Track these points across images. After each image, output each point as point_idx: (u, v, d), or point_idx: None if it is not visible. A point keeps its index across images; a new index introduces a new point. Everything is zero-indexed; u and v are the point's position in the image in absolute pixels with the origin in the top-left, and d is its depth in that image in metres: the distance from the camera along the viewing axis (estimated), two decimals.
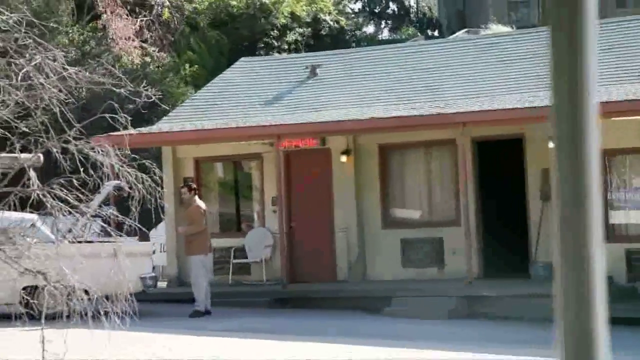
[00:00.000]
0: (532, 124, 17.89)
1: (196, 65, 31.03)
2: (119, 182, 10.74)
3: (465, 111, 17.79)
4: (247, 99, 21.50)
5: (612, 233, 17.41)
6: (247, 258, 20.03)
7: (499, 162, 19.64)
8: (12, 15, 9.95)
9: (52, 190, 9.32)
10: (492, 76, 19.91)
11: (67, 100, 9.61)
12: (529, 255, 18.56)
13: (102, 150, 9.74)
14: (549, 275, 17.58)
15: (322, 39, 35.68)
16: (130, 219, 10.08)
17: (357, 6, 49.05)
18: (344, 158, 19.55)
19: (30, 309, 9.96)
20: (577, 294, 1.61)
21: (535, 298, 16.57)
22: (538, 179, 18.35)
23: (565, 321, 1.62)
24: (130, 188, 9.97)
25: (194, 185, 18.04)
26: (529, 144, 18.54)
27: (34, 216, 10.47)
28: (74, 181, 9.55)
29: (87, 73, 10.03)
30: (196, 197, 17.55)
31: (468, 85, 19.81)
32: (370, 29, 49.29)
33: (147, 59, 29.21)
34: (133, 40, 28.61)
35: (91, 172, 9.69)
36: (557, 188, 1.64)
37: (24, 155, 9.38)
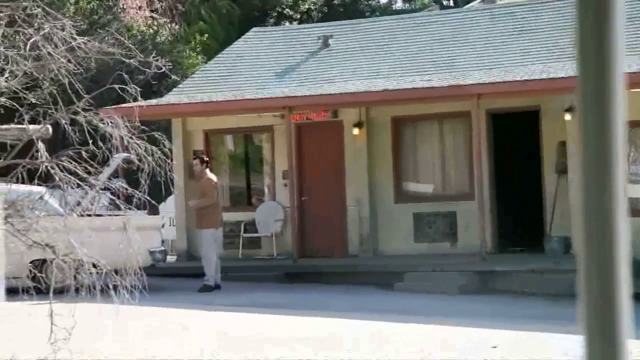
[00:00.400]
0: (548, 96, 17.66)
1: (206, 36, 30.75)
2: (128, 154, 10.53)
3: (480, 82, 17.54)
4: (258, 70, 21.26)
5: (629, 207, 17.19)
6: (257, 232, 19.88)
7: (514, 135, 19.42)
8: None
9: (61, 163, 9.13)
10: (508, 47, 19.63)
11: (75, 71, 9.40)
12: (544, 230, 18.36)
13: (111, 122, 9.54)
14: (564, 249, 17.51)
15: (335, 8, 35.36)
16: (140, 192, 9.90)
17: None
18: (356, 131, 19.33)
19: (38, 283, 9.79)
20: (601, 268, 1.58)
21: (550, 273, 16.41)
22: (554, 152, 18.12)
23: (589, 296, 1.59)
24: (140, 160, 9.78)
25: (206, 158, 17.84)
26: (544, 116, 18.30)
27: (42, 189, 10.29)
28: (83, 153, 9.36)
29: (97, 43, 9.81)
30: (207, 170, 17.34)
31: (483, 56, 19.54)
32: None
33: (157, 28, 28.96)
34: (144, 10, 28.36)
35: (100, 144, 9.50)
36: (581, 160, 1.63)
37: (32, 127, 9.18)
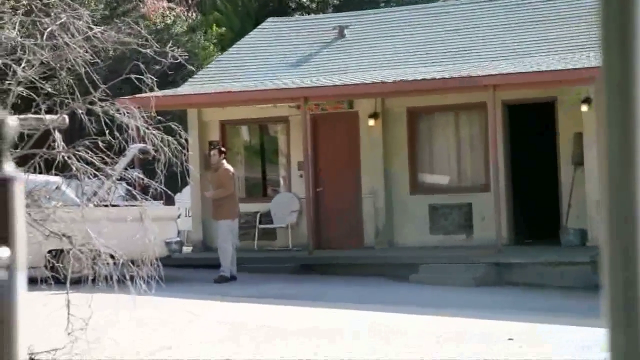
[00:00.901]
0: (564, 87, 17.58)
1: (223, 28, 30.75)
2: (144, 145, 10.54)
3: (496, 74, 17.47)
4: (274, 60, 21.23)
5: None
6: (272, 223, 19.87)
7: (530, 126, 19.35)
8: None
9: (78, 153, 9.14)
10: (525, 37, 19.55)
11: (92, 61, 9.41)
12: (560, 222, 18.30)
13: (127, 112, 9.54)
14: (580, 242, 17.42)
15: None
16: (156, 182, 9.91)
17: None
18: (371, 122, 19.29)
19: (56, 273, 9.82)
20: (625, 260, 1.55)
21: (566, 265, 16.35)
22: (570, 143, 18.05)
23: (612, 288, 1.56)
24: (156, 151, 9.79)
25: (223, 149, 17.84)
26: (561, 107, 18.23)
27: (58, 179, 10.32)
28: (100, 143, 9.37)
29: (113, 33, 9.81)
30: (224, 161, 17.34)
31: (499, 46, 19.46)
32: None
33: (174, 18, 28.98)
34: (161, 0, 28.38)
35: (116, 134, 9.51)
36: (604, 150, 1.59)
37: (49, 117, 9.18)
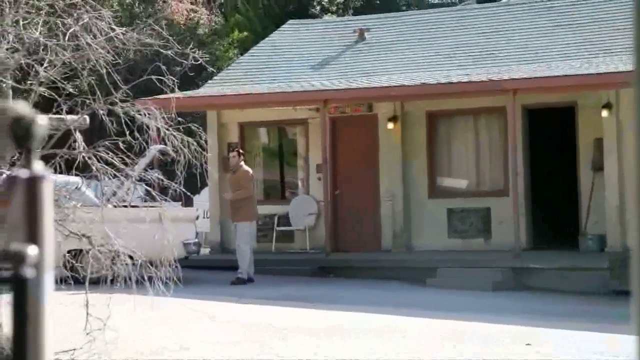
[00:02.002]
0: (585, 92, 17.52)
1: (245, 33, 30.78)
2: (164, 146, 10.57)
3: (516, 78, 17.41)
4: (294, 63, 21.23)
5: None
6: (290, 225, 19.88)
7: (549, 131, 19.29)
8: None
9: (98, 153, 9.17)
10: (547, 41, 19.47)
11: (114, 62, 9.44)
12: (579, 227, 18.23)
13: (148, 113, 9.56)
14: (599, 247, 17.35)
15: (371, 1, 35.28)
16: (175, 183, 9.92)
17: None
18: (390, 125, 19.27)
19: (76, 273, 9.85)
20: None
21: (584, 271, 16.28)
22: (590, 148, 17.98)
23: None
24: (176, 152, 9.81)
25: (242, 151, 17.87)
26: (581, 112, 18.16)
27: (78, 179, 10.35)
28: (120, 144, 9.39)
29: (135, 34, 9.83)
30: (243, 163, 17.36)
31: (521, 50, 19.40)
32: None
33: (197, 20, 29.05)
34: (184, 1, 28.46)
35: (137, 134, 9.53)
36: (635, 153, 1.58)
37: (70, 117, 9.22)
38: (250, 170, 17.42)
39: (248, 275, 16.75)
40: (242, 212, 16.94)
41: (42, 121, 1.78)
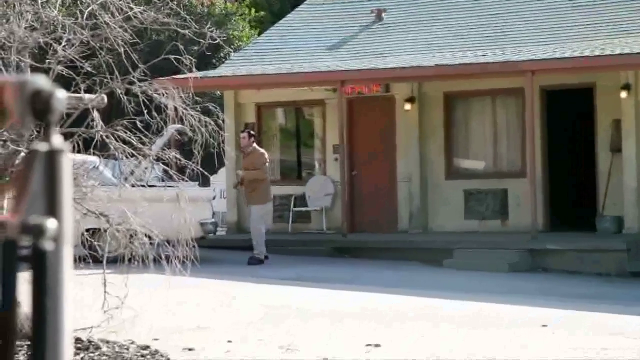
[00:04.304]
0: (603, 73, 17.42)
1: (262, 12, 30.72)
2: (181, 125, 10.57)
3: (534, 59, 17.33)
4: (311, 43, 21.19)
5: None
6: (307, 206, 19.89)
7: (567, 112, 19.20)
8: None
9: (116, 132, 9.18)
10: (565, 22, 19.35)
11: (132, 41, 9.44)
12: (596, 208, 18.17)
13: (165, 93, 9.56)
14: (616, 229, 17.32)
15: None
16: (193, 163, 9.93)
17: None
18: (408, 106, 19.23)
19: (94, 251, 9.89)
20: None
21: (601, 252, 16.25)
22: (608, 129, 17.89)
23: None
24: (193, 132, 9.81)
25: (253, 132, 17.85)
26: (599, 93, 18.06)
27: (96, 158, 10.37)
28: (138, 123, 9.40)
29: (152, 13, 9.82)
30: (254, 144, 17.35)
31: (539, 31, 19.29)
32: None
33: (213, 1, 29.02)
34: None
35: (154, 114, 9.54)
36: None
37: (88, 96, 9.23)
38: (265, 153, 17.41)
39: (263, 254, 16.81)
40: (256, 195, 16.96)
41: (61, 95, 1.78)
